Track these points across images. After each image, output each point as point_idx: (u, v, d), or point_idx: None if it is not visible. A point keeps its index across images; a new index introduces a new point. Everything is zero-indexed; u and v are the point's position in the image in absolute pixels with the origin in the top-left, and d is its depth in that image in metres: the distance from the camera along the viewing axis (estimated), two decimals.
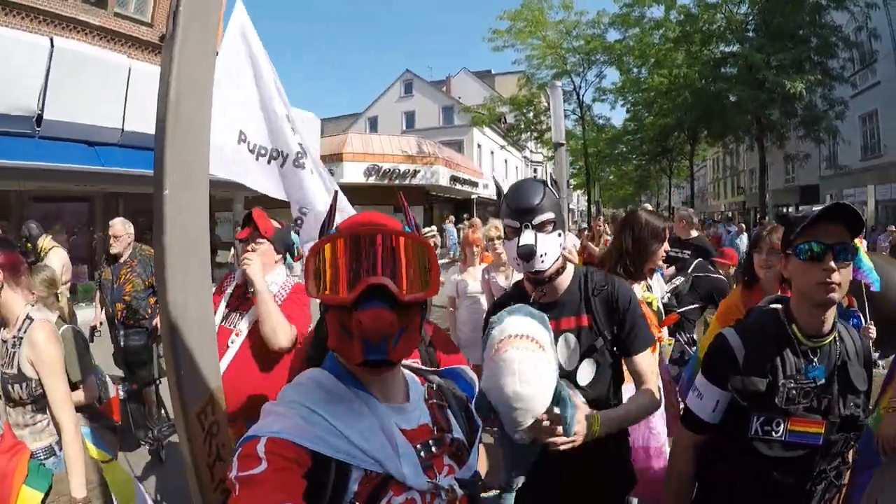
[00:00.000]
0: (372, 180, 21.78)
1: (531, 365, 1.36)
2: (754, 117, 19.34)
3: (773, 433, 1.44)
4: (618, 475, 1.83)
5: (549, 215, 1.65)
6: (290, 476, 0.78)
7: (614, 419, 1.62)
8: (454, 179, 25.59)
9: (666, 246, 2.59)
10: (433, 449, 0.98)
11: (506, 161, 38.85)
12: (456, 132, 32.99)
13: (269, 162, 3.15)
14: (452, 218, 23.03)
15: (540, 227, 1.64)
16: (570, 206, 24.14)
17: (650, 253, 2.53)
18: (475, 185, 28.85)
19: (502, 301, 1.90)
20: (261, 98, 3.09)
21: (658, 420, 2.53)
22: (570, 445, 1.44)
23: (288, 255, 2.71)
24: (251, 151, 3.07)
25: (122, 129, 10.52)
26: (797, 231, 1.42)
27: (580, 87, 24.86)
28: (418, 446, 0.95)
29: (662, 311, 3.04)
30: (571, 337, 1.73)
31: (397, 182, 22.45)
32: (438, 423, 1.02)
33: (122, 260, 4.60)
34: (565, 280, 1.78)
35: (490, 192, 28.43)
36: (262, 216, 2.60)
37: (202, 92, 1.74)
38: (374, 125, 36.22)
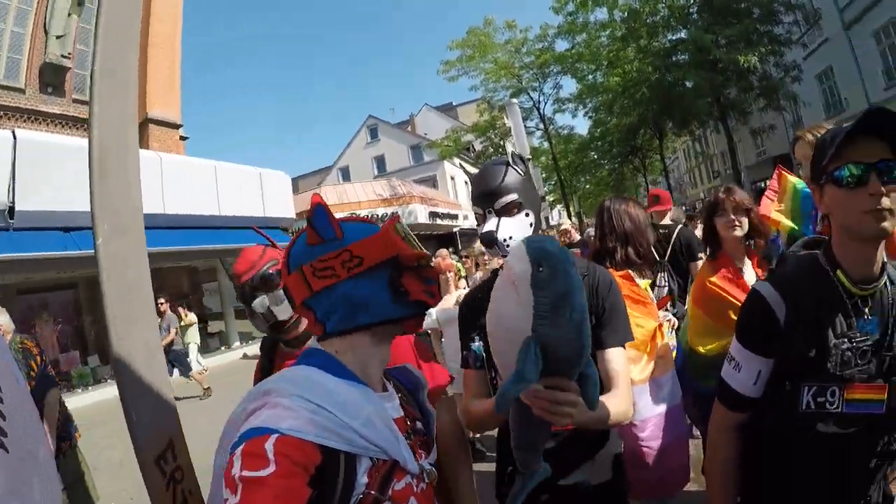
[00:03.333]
0: None
1: (497, 297, 1.10)
2: (714, 99, 19.58)
3: (829, 405, 1.19)
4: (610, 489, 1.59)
5: (512, 197, 1.54)
6: (296, 483, 0.78)
7: (585, 414, 1.24)
8: (433, 215, 25.70)
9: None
10: (412, 436, 1.04)
11: None
12: (427, 168, 33.54)
13: None
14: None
15: (504, 211, 1.54)
16: (552, 222, 24.15)
17: (648, 236, 2.53)
18: (455, 217, 28.91)
19: (473, 292, 1.80)
20: None
21: (650, 423, 2.27)
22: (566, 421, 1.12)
23: None
24: None
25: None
26: (830, 153, 1.16)
27: (539, 102, 25.25)
28: (404, 433, 0.99)
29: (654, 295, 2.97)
30: None
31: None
32: (408, 412, 1.08)
33: None
34: None
35: (471, 223, 28.53)
36: None
37: (125, 144, 1.78)
38: (346, 174, 36.81)
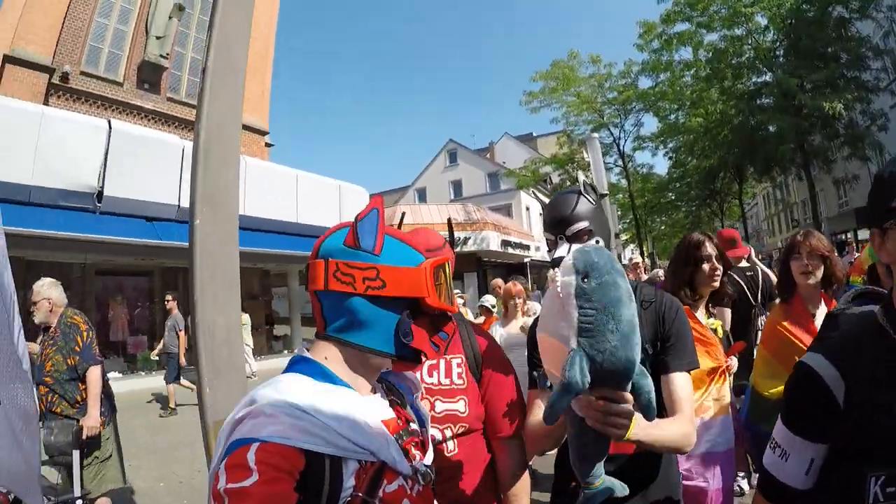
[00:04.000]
0: None
1: (543, 306, 1.13)
2: (797, 145, 18.85)
3: None
4: None
5: (583, 224, 1.58)
6: (281, 488, 0.78)
7: (649, 429, 1.28)
8: (505, 244, 25.43)
9: (715, 264, 2.48)
10: (404, 437, 1.02)
11: None
12: (503, 197, 33.54)
13: None
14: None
15: (576, 237, 1.57)
16: (623, 260, 23.67)
17: (697, 271, 2.49)
18: (527, 248, 28.48)
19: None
20: None
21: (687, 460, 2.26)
22: (616, 434, 1.12)
23: None
24: None
25: (179, 206, 11.06)
26: None
27: (619, 138, 24.82)
28: (395, 435, 0.98)
29: (731, 338, 2.89)
30: None
31: None
32: (401, 414, 1.07)
33: (49, 332, 3.81)
34: None
35: (542, 254, 28.26)
36: None
37: (230, 134, 1.92)
38: (422, 196, 37.17)
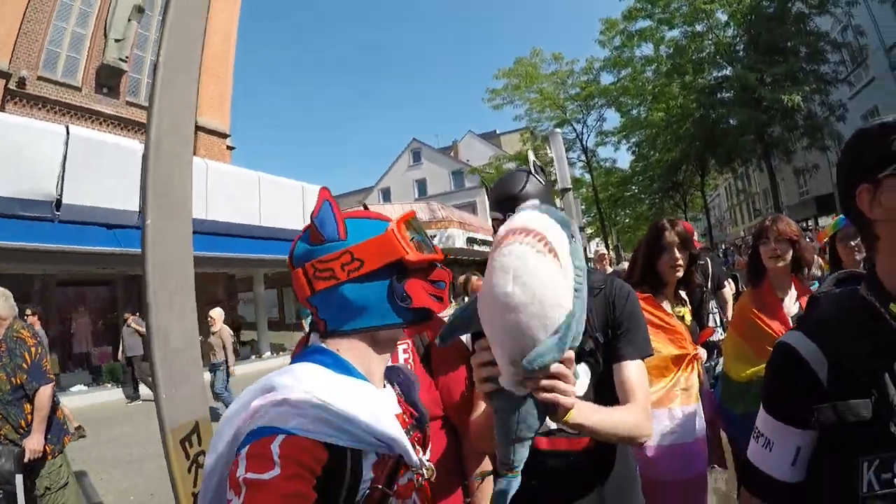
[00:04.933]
0: None
1: (532, 264, 0.95)
2: (757, 137, 19.26)
3: None
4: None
5: (534, 202, 1.53)
6: (301, 486, 0.77)
7: (592, 413, 1.20)
8: (471, 241, 25.37)
9: (676, 254, 2.45)
10: (411, 432, 1.03)
11: None
12: (468, 195, 33.80)
13: None
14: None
15: None
16: (589, 253, 24.04)
17: (659, 260, 2.48)
18: (492, 243, 28.83)
19: None
20: None
21: (652, 449, 2.23)
22: (570, 402, 1.01)
23: None
24: None
25: (139, 212, 10.76)
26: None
27: (582, 134, 25.08)
28: (405, 430, 0.97)
29: (697, 327, 2.82)
30: None
31: None
32: (405, 409, 1.07)
33: None
34: None
35: None
36: None
37: (183, 130, 1.84)
38: (387, 195, 37.25)
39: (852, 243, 2.63)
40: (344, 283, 0.93)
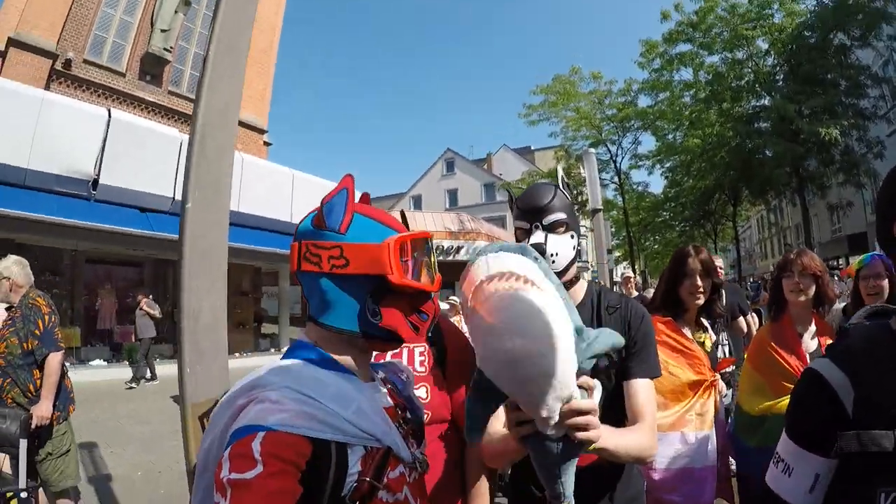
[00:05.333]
0: None
1: (516, 308, 0.93)
2: (793, 169, 18.89)
3: None
4: None
5: (561, 216, 1.53)
6: (285, 482, 0.77)
7: (613, 436, 1.25)
8: None
9: (698, 281, 2.43)
10: (403, 425, 1.03)
11: None
12: (498, 208, 33.75)
13: None
14: None
15: (551, 228, 1.52)
16: (615, 277, 23.87)
17: (681, 285, 2.47)
18: None
19: None
20: None
21: (663, 472, 2.24)
22: (595, 435, 1.02)
23: None
24: None
25: (173, 198, 11.01)
26: None
27: (616, 155, 24.84)
28: (395, 423, 0.99)
29: (716, 355, 2.85)
30: None
31: (441, 258, 22.63)
32: (397, 403, 1.07)
33: (9, 312, 3.53)
34: (578, 293, 1.64)
35: None
36: None
37: (227, 123, 1.92)
38: (418, 203, 37.26)
39: (872, 283, 2.61)
40: (325, 274, 0.94)
